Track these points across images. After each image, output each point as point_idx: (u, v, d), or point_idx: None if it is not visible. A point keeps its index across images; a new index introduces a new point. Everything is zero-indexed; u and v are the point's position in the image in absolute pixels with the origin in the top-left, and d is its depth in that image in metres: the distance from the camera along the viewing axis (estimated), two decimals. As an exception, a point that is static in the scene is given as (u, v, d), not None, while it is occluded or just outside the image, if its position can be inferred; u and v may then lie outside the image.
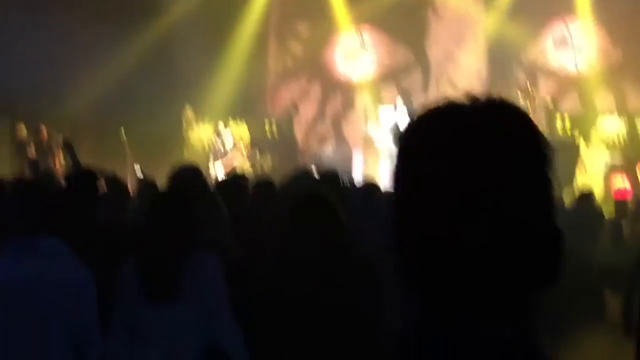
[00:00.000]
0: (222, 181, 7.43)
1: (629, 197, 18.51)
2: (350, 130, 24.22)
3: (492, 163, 1.46)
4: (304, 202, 4.66)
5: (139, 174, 16.72)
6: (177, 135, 22.64)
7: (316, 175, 7.72)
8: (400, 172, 1.51)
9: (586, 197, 14.72)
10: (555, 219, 1.55)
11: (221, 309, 4.45)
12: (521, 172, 1.49)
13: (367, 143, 21.80)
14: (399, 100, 19.82)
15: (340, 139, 24.47)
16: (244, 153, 20.45)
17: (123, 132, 19.80)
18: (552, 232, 1.52)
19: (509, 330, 1.48)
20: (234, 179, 7.17)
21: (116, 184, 7.51)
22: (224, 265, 4.55)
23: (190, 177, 5.73)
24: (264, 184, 6.76)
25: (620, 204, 17.28)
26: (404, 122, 18.98)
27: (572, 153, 20.33)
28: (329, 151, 23.88)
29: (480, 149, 1.46)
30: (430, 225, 1.44)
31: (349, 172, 20.29)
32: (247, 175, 9.75)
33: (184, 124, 22.88)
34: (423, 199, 1.44)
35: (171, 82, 22.46)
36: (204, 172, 17.78)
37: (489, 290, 1.45)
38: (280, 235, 4.94)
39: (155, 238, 4.44)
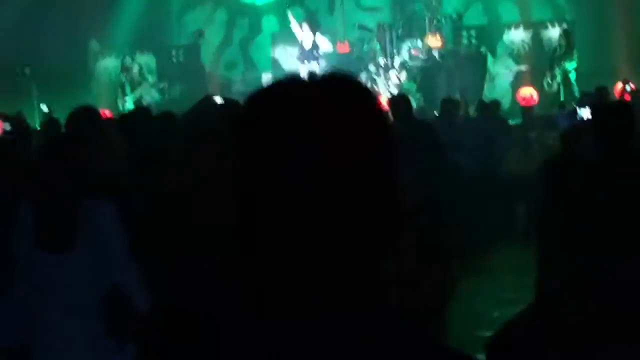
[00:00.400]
0: (124, 116, 7.33)
1: (534, 104, 18.81)
2: (259, 55, 24.04)
3: (333, 138, 1.42)
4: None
5: (46, 114, 16.49)
6: (83, 69, 22.26)
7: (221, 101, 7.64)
8: (242, 149, 1.47)
9: (489, 106, 14.94)
10: (400, 197, 1.50)
11: (118, 254, 4.42)
12: (363, 149, 1.44)
13: (275, 66, 21.67)
14: (305, 24, 19.70)
15: (249, 64, 24.30)
16: (152, 84, 20.19)
17: (28, 70, 19.39)
18: (396, 206, 1.49)
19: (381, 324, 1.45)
20: (135, 113, 7.06)
21: (18, 124, 7.40)
22: (120, 209, 4.51)
23: (85, 119, 5.62)
24: (164, 117, 6.64)
25: (526, 111, 17.59)
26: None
27: (479, 65, 20.51)
28: (238, 76, 23.72)
29: (322, 125, 1.42)
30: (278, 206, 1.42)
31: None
32: (150, 107, 9.62)
33: (90, 58, 22.48)
34: (272, 180, 1.41)
35: (74, 15, 22.00)
36: (113, 106, 17.58)
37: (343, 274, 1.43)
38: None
39: (45, 184, 4.37)
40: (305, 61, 19.28)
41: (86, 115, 5.75)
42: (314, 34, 19.37)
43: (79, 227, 4.36)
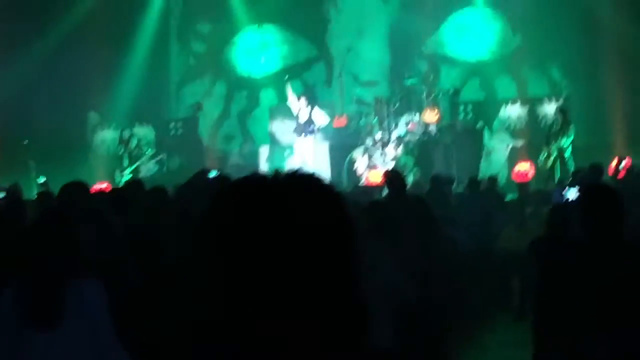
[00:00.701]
0: (114, 190, 7.33)
1: (529, 179, 18.86)
2: (257, 128, 24.20)
3: (293, 238, 1.50)
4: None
5: (42, 184, 16.51)
6: (82, 141, 22.35)
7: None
8: (210, 243, 1.54)
9: (480, 183, 14.98)
10: (360, 290, 1.57)
11: (105, 334, 4.38)
12: (321, 247, 1.51)
13: (273, 140, 21.79)
14: (302, 98, 19.82)
15: (247, 137, 24.45)
16: (151, 156, 20.24)
17: (26, 141, 19.46)
18: (355, 302, 1.54)
19: None
20: (127, 187, 7.08)
21: (12, 195, 7.40)
22: (112, 286, 4.49)
23: (75, 195, 5.62)
24: (155, 192, 6.65)
25: (521, 187, 17.62)
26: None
27: (476, 140, 20.61)
28: (235, 149, 23.86)
29: (282, 223, 1.50)
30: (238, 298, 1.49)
31: (256, 169, 20.24)
32: (142, 181, 9.62)
33: (89, 130, 22.60)
34: (235, 274, 1.49)
35: (73, 87, 22.16)
36: (112, 178, 17.58)
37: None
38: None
39: (35, 262, 4.35)
40: (303, 134, 19.36)
41: (77, 191, 5.74)
42: (312, 107, 19.45)
43: (67, 306, 4.32)
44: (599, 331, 3.90)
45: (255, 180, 1.59)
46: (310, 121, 19.34)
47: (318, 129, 19.51)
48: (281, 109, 22.22)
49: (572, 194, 6.57)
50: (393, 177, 9.84)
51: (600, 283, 3.97)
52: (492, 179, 15.93)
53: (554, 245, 5.86)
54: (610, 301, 3.74)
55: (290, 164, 19.87)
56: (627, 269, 4.00)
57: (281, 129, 21.54)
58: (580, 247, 4.65)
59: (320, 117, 19.39)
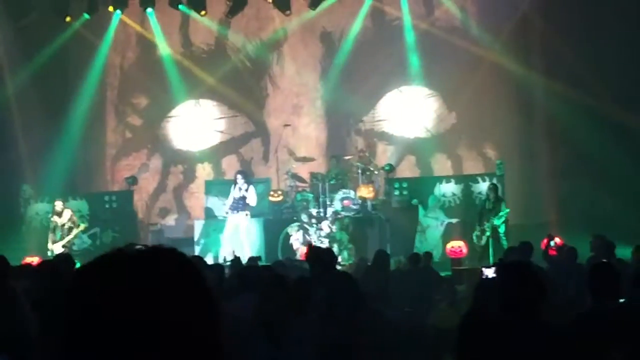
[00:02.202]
0: (41, 264, 7.22)
1: (463, 256, 18.98)
2: (193, 202, 24.12)
3: (151, 310, 1.53)
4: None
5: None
6: (14, 214, 22.05)
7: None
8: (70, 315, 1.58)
9: (420, 258, 15.06)
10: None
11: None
12: (180, 317, 1.54)
13: (208, 214, 21.71)
14: (239, 177, 19.91)
15: (183, 211, 24.34)
16: (83, 230, 20.02)
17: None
18: None
19: None
20: (54, 262, 6.98)
21: None
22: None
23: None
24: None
25: (455, 264, 17.73)
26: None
27: (411, 217, 20.71)
28: (171, 223, 23.72)
29: (140, 299, 1.53)
30: None
31: (190, 242, 20.17)
32: (70, 255, 9.49)
33: (22, 202, 22.31)
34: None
35: (7, 159, 21.93)
36: (43, 251, 17.33)
37: None
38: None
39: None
40: (235, 210, 19.53)
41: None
42: (248, 185, 19.63)
43: None
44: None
45: (107, 257, 1.61)
46: (243, 198, 19.51)
47: (248, 206, 19.68)
48: (217, 184, 22.25)
49: (489, 272, 6.61)
50: (318, 253, 9.81)
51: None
52: (428, 255, 16.00)
53: (474, 323, 5.85)
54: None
55: (224, 238, 19.90)
56: (535, 349, 3.99)
57: (216, 204, 21.48)
58: (494, 325, 4.64)
59: (253, 197, 19.58)
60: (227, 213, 19.97)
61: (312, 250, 10.29)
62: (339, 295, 8.38)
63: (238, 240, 19.58)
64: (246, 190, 19.61)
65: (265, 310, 6.54)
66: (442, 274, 17.36)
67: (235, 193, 19.68)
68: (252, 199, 19.65)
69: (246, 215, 19.69)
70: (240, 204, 19.59)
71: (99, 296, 1.53)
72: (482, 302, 6.65)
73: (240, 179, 19.76)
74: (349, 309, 8.37)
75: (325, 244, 18.72)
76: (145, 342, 1.49)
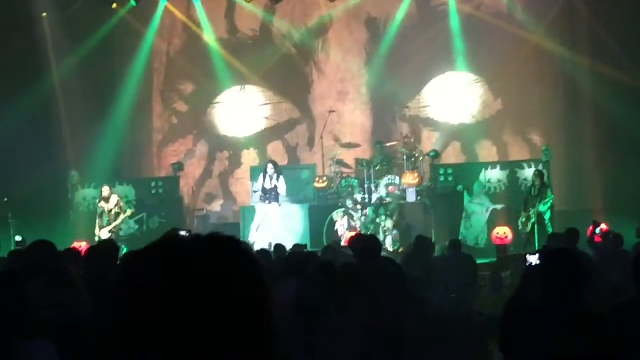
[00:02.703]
0: (90, 249, 7.32)
1: (509, 243, 18.89)
2: (239, 188, 24.23)
3: (208, 301, 1.53)
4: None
5: (19, 243, 16.44)
6: (62, 200, 22.27)
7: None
8: (124, 307, 1.57)
9: (461, 244, 15.02)
10: (275, 348, 1.60)
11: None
12: (237, 308, 1.54)
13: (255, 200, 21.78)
14: (270, 166, 19.91)
15: (228, 197, 24.46)
16: (130, 216, 20.18)
17: (6, 199, 19.39)
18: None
19: None
20: (100, 247, 7.07)
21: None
22: (71, 345, 4.45)
23: (41, 253, 5.60)
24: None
25: (500, 250, 17.66)
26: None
27: (455, 203, 20.66)
28: (217, 209, 23.84)
29: (198, 288, 1.53)
30: None
31: (237, 229, 20.26)
32: (114, 241, 9.59)
33: (69, 188, 22.53)
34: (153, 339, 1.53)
35: (54, 146, 22.18)
36: (91, 237, 17.50)
37: None
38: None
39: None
40: (267, 201, 19.56)
41: (42, 249, 5.72)
42: (278, 176, 19.59)
43: None
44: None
45: (163, 243, 1.62)
46: (275, 188, 19.47)
47: (280, 197, 19.69)
48: (262, 170, 22.29)
49: (534, 259, 6.57)
50: (361, 241, 9.84)
51: (554, 352, 3.93)
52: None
53: (516, 310, 5.84)
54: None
55: (253, 226, 19.91)
56: (576, 340, 3.97)
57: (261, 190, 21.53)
58: (536, 313, 4.62)
59: (283, 187, 19.54)
60: (258, 203, 19.99)
61: (357, 237, 10.32)
62: (385, 283, 8.39)
63: (270, 228, 19.50)
64: (277, 180, 19.59)
65: (308, 296, 6.55)
66: (487, 260, 17.36)
67: (266, 183, 19.66)
68: (282, 189, 19.61)
69: (278, 205, 19.69)
70: (272, 195, 19.57)
71: (158, 279, 1.54)
72: (527, 289, 6.63)
73: (270, 169, 19.72)
74: (395, 297, 8.38)
75: (370, 230, 18.74)
76: (202, 326, 1.51)
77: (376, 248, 9.64)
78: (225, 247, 1.61)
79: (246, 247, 1.64)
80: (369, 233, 17.83)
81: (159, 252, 1.60)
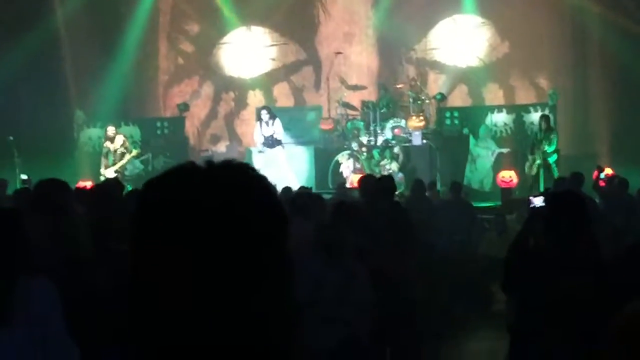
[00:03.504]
0: (95, 188, 7.34)
1: (514, 186, 18.92)
2: (244, 129, 24.20)
3: (229, 229, 1.49)
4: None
5: (24, 181, 16.48)
6: (68, 139, 22.28)
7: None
8: (142, 238, 1.52)
9: (461, 187, 15.08)
10: (292, 291, 1.56)
11: (54, 333, 4.32)
12: (256, 239, 1.50)
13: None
14: (264, 112, 19.95)
15: (234, 138, 24.46)
16: (135, 155, 20.19)
17: (12, 138, 19.40)
18: (285, 305, 1.53)
19: None
20: (105, 186, 7.08)
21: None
22: (71, 282, 4.47)
23: (49, 190, 5.61)
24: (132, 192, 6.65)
25: (505, 193, 17.69)
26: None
27: (461, 146, 20.66)
28: (222, 150, 23.85)
29: (217, 216, 1.48)
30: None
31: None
32: (119, 180, 9.61)
33: (75, 128, 22.53)
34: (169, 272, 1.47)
35: (60, 85, 22.12)
36: (96, 176, 17.52)
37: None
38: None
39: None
40: (270, 147, 19.69)
41: (49, 187, 5.73)
42: (274, 120, 19.65)
43: (15, 303, 4.25)
44: (562, 342, 3.89)
45: (182, 169, 1.58)
46: (273, 134, 19.58)
47: (280, 142, 19.77)
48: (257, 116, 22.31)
49: (538, 201, 6.56)
50: (366, 182, 9.86)
51: (554, 293, 3.94)
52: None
53: (519, 252, 5.86)
54: (563, 312, 3.72)
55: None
56: (579, 281, 3.97)
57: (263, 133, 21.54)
58: (540, 256, 4.63)
59: (280, 130, 19.62)
60: (260, 151, 20.05)
61: (365, 179, 10.32)
62: (392, 227, 8.43)
63: (275, 169, 19.53)
64: (273, 125, 19.64)
65: (328, 234, 6.59)
66: (493, 204, 17.42)
67: (263, 130, 19.72)
68: (279, 133, 19.69)
69: (282, 148, 19.80)
70: (271, 141, 19.67)
71: (175, 203, 1.49)
72: (529, 231, 6.66)
73: (265, 114, 19.79)
74: (399, 239, 8.43)
75: (375, 173, 18.77)
76: (218, 255, 1.48)
77: (390, 188, 9.64)
78: (245, 171, 1.58)
79: (261, 174, 1.61)
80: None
81: (177, 179, 1.56)
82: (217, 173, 1.54)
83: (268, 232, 1.52)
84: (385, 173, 18.86)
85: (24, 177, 17.39)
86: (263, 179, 1.58)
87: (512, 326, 6.29)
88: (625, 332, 1.52)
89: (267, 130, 19.72)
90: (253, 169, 1.58)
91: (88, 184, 16.37)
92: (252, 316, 1.48)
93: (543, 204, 6.19)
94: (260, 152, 20.19)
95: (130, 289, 1.51)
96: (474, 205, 15.73)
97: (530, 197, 8.02)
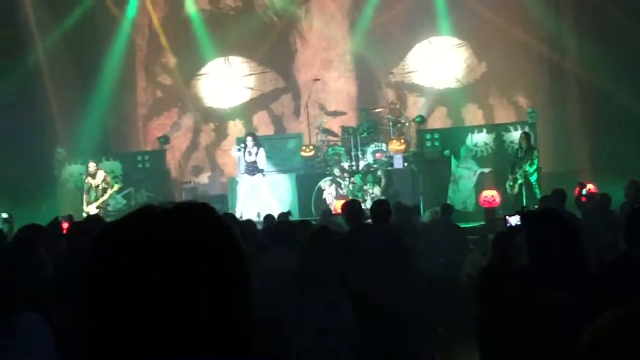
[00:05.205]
0: (72, 226, 7.32)
1: (496, 205, 18.94)
2: (226, 160, 24.19)
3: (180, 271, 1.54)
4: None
5: (5, 220, 16.41)
6: (49, 177, 22.21)
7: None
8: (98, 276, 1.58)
9: (448, 210, 15.07)
10: (248, 325, 1.61)
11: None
12: (208, 277, 1.56)
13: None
14: (249, 139, 20.00)
15: (216, 169, 24.45)
16: (117, 190, 20.15)
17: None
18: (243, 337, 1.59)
19: None
20: (83, 224, 7.06)
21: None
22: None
23: (25, 236, 5.61)
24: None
25: (488, 213, 17.70)
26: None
27: (443, 168, 20.68)
28: (204, 181, 23.84)
29: (170, 257, 1.54)
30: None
31: (225, 201, 20.31)
32: (99, 216, 9.58)
33: (56, 165, 22.48)
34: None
35: (39, 123, 22.04)
36: (79, 213, 17.44)
37: None
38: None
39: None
40: (251, 174, 19.74)
41: (27, 232, 5.73)
42: (258, 148, 19.72)
43: (9, 342, 4.26)
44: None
45: (135, 214, 1.62)
46: (254, 162, 19.65)
47: (261, 170, 19.81)
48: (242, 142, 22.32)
49: (514, 220, 6.59)
50: (350, 208, 9.84)
51: (528, 314, 3.92)
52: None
53: (494, 273, 5.86)
54: (537, 335, 3.70)
55: (239, 196, 20.07)
56: (556, 300, 3.95)
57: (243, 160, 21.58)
58: (519, 276, 4.61)
59: (263, 160, 19.71)
60: (243, 174, 20.14)
61: (348, 205, 10.30)
62: (382, 251, 8.40)
63: (258, 198, 19.62)
64: (256, 154, 19.71)
65: (307, 263, 6.51)
66: (476, 224, 17.42)
67: (246, 157, 19.81)
68: (262, 162, 19.78)
69: (263, 176, 19.85)
70: (252, 168, 19.75)
71: (124, 244, 1.54)
72: (502, 252, 6.67)
73: (250, 141, 19.86)
74: (390, 265, 8.39)
75: (358, 198, 18.77)
76: (170, 290, 1.52)
77: (387, 211, 9.63)
78: (199, 214, 1.61)
79: (218, 213, 1.65)
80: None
81: (132, 225, 1.60)
82: (174, 212, 1.60)
83: (227, 270, 1.57)
84: (368, 198, 18.90)
85: (4, 215, 17.32)
86: (219, 218, 1.63)
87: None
88: (593, 345, 1.52)
89: (250, 158, 19.76)
90: (211, 209, 1.64)
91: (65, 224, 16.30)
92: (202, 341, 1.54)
93: (519, 223, 6.21)
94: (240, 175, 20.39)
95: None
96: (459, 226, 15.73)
97: (507, 217, 8.06)
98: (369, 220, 9.84)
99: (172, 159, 23.75)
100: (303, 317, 6.26)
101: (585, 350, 1.52)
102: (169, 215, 1.59)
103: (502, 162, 20.11)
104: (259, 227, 12.15)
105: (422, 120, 21.85)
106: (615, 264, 5.88)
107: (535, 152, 18.69)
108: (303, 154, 21.22)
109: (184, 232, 1.56)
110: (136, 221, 1.59)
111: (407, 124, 21.35)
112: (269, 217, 13.58)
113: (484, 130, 21.52)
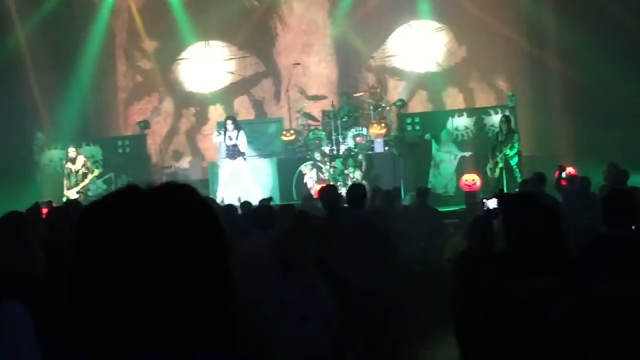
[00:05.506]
0: (52, 211, 7.28)
1: (477, 189, 18.99)
2: (206, 144, 24.12)
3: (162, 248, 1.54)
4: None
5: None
6: (28, 162, 22.10)
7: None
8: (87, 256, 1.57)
9: (424, 193, 15.08)
10: (231, 303, 1.61)
11: (26, 356, 4.31)
12: (188, 255, 1.55)
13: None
14: (229, 122, 19.99)
15: (196, 153, 24.38)
16: (97, 175, 20.10)
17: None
18: (221, 317, 1.59)
19: None
20: (61, 209, 7.03)
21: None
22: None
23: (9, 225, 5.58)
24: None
25: (469, 196, 17.73)
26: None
27: (423, 152, 20.70)
28: (185, 166, 23.78)
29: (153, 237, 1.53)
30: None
31: (205, 185, 20.26)
32: (77, 201, 9.55)
33: (35, 150, 22.38)
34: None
35: (18, 107, 21.90)
36: (59, 198, 17.36)
37: None
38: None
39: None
40: (233, 158, 19.76)
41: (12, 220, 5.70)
42: (238, 132, 19.72)
43: None
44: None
45: (118, 194, 1.62)
46: (235, 145, 19.64)
47: (242, 153, 19.80)
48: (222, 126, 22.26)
49: (491, 203, 6.60)
50: (326, 193, 9.80)
51: (507, 301, 3.91)
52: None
53: (472, 258, 5.86)
54: (516, 322, 3.70)
55: (220, 181, 20.06)
56: (537, 287, 3.94)
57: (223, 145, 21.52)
58: (496, 260, 4.61)
59: (244, 142, 19.70)
60: (224, 158, 20.13)
61: (326, 189, 10.27)
62: (363, 235, 8.39)
63: (239, 183, 19.64)
64: (237, 137, 19.71)
65: (287, 247, 6.46)
66: (457, 207, 17.44)
67: (227, 141, 19.81)
68: (242, 145, 19.77)
69: (244, 159, 19.85)
70: (233, 151, 19.74)
71: (107, 227, 1.53)
72: (480, 237, 6.68)
73: (230, 125, 19.85)
74: (371, 249, 8.39)
75: (339, 182, 18.77)
76: (156, 271, 1.51)
77: (362, 195, 9.62)
78: (181, 195, 1.61)
79: (200, 194, 1.65)
80: (337, 184, 17.89)
81: (113, 206, 1.60)
82: (156, 193, 1.59)
83: (201, 249, 1.57)
84: (349, 182, 18.89)
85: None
86: (203, 199, 1.62)
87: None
88: (567, 324, 1.52)
89: (230, 141, 19.74)
90: (193, 190, 1.63)
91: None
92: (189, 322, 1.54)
93: (496, 206, 6.22)
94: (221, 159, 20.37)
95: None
96: (439, 210, 15.74)
97: (484, 200, 8.06)
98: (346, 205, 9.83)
99: (153, 144, 23.66)
100: (285, 305, 6.25)
101: (561, 328, 1.52)
102: (151, 196, 1.58)
103: (482, 146, 20.14)
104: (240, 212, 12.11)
105: (403, 104, 21.87)
106: (594, 245, 5.91)
107: (516, 136, 18.72)
108: (284, 138, 21.19)
109: (167, 213, 1.55)
110: (117, 202, 1.58)
111: (387, 108, 21.36)
112: (246, 204, 13.50)
113: (465, 114, 21.55)
